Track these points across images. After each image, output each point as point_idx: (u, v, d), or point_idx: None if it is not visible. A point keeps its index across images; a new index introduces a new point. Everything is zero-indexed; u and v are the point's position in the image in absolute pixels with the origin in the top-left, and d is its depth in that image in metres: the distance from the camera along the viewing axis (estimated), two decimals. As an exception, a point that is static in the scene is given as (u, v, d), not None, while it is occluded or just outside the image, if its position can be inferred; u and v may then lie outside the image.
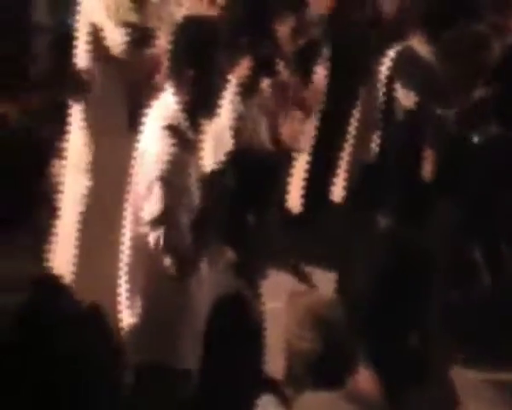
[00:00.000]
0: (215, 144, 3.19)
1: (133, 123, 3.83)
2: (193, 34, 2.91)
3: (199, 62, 2.84)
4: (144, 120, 3.52)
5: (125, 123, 3.82)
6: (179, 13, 4.35)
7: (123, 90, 3.83)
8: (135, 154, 2.94)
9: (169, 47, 3.04)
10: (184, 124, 2.86)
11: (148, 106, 3.71)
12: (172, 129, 2.82)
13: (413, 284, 1.84)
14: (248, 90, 3.30)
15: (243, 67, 3.24)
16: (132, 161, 2.95)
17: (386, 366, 1.80)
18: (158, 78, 3.98)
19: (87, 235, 3.52)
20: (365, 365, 1.82)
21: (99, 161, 3.68)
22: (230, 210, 2.46)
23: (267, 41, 3.46)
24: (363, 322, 1.87)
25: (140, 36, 3.88)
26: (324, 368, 1.94)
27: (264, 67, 3.39)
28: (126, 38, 3.76)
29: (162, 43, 4.01)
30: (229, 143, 3.23)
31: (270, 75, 3.59)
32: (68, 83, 3.53)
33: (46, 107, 3.72)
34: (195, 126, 2.91)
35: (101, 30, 3.77)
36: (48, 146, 3.26)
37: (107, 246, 3.43)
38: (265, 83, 3.59)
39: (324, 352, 1.94)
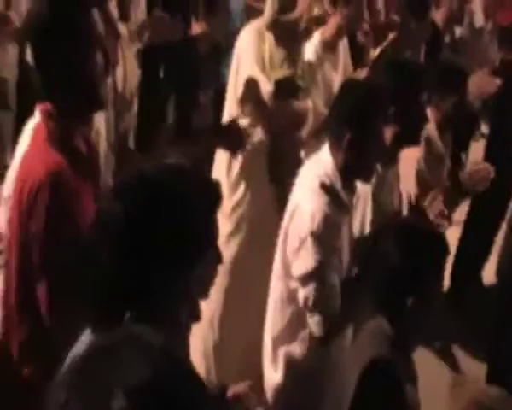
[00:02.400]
0: (363, 206, 3.16)
1: (274, 175, 3.93)
2: (355, 98, 2.89)
3: (359, 126, 2.80)
4: (286, 172, 3.60)
5: (266, 173, 3.93)
6: (334, 77, 4.45)
7: (268, 140, 3.94)
8: (288, 207, 2.93)
9: (330, 108, 3.06)
10: (339, 184, 2.83)
11: (290, 159, 3.83)
12: (327, 188, 2.80)
13: None
14: (389, 157, 3.25)
15: (387, 134, 3.19)
16: (284, 215, 2.94)
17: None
18: (302, 132, 4.09)
19: (229, 287, 3.57)
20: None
21: (241, 208, 3.80)
22: (389, 280, 2.35)
23: (416, 111, 3.40)
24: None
25: (290, 90, 3.99)
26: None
27: (407, 136, 3.33)
28: (277, 91, 3.91)
29: (312, 100, 4.14)
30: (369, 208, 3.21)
31: (413, 144, 3.54)
32: (228, 137, 3.62)
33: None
34: (350, 188, 2.88)
35: (256, 82, 3.91)
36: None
37: (250, 298, 3.46)
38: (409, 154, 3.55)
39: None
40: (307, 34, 4.18)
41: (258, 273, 3.30)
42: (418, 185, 3.82)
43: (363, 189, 3.07)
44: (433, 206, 3.10)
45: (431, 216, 3.05)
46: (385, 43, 4.93)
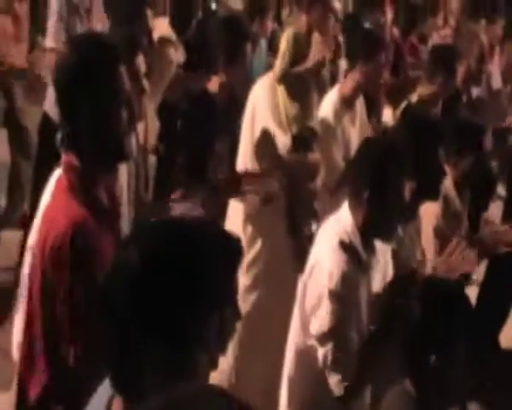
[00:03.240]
0: (383, 264, 3.14)
1: (290, 226, 3.95)
2: (374, 155, 2.90)
3: (378, 184, 2.81)
4: (301, 223, 3.61)
5: (284, 226, 3.94)
6: (352, 132, 4.48)
7: (284, 192, 3.96)
8: (308, 262, 2.92)
9: (350, 165, 3.08)
10: (358, 242, 2.82)
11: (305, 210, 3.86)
12: (346, 246, 2.79)
13: None
14: (408, 214, 3.24)
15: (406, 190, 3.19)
16: (302, 273, 2.93)
17: None
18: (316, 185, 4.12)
19: (246, 342, 3.56)
20: None
21: (258, 263, 3.81)
22: (411, 337, 2.33)
23: (435, 166, 3.40)
24: None
25: (305, 143, 4.04)
26: None
27: (426, 191, 3.33)
28: (292, 144, 3.95)
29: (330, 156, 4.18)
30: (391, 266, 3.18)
31: (432, 199, 3.53)
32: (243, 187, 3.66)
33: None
34: (369, 246, 2.87)
35: (271, 135, 3.96)
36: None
37: (266, 352, 3.44)
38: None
39: None
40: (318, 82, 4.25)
41: (276, 328, 3.29)
42: (437, 241, 3.81)
43: (383, 245, 3.06)
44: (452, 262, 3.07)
45: (447, 271, 3.03)
46: (412, 99, 4.94)
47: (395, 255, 3.17)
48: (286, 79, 4.05)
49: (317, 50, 4.10)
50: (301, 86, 4.09)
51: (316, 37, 4.15)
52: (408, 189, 3.08)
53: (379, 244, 2.94)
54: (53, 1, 5.18)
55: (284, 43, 4.15)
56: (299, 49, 4.10)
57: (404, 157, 2.92)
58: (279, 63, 4.10)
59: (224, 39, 4.43)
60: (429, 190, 3.36)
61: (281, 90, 4.06)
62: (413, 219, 3.37)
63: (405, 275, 2.70)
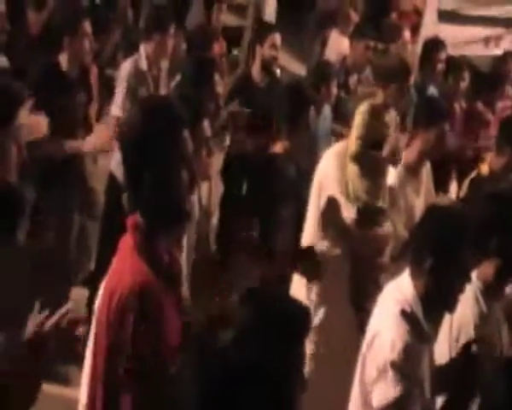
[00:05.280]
0: (450, 339, 3.06)
1: (354, 298, 3.90)
2: (438, 224, 2.86)
3: (441, 253, 2.76)
4: (366, 296, 3.55)
5: (346, 296, 3.89)
6: (416, 201, 4.44)
7: (349, 263, 3.92)
8: (366, 334, 2.88)
9: (413, 232, 3.03)
10: (420, 312, 2.77)
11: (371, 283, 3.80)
12: (408, 316, 2.74)
13: None
14: (493, 292, 3.12)
15: (488, 268, 3.08)
16: (363, 342, 2.88)
17: None
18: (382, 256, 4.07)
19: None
20: None
21: (321, 331, 3.77)
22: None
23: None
24: None
25: (372, 217, 4.00)
26: None
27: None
28: (358, 215, 3.92)
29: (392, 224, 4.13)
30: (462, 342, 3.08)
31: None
32: (305, 264, 3.67)
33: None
34: (432, 318, 2.81)
35: (338, 208, 3.94)
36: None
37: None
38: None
39: None
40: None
41: (336, 398, 3.22)
42: None
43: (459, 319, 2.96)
44: None
45: None
46: (482, 171, 4.85)
47: (478, 333, 3.03)
48: (360, 159, 4.00)
49: (394, 138, 4.05)
50: (374, 167, 4.04)
51: (391, 115, 4.07)
52: (492, 266, 3.00)
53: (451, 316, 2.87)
54: (122, 67, 5.33)
55: (359, 119, 4.07)
56: (375, 125, 4.04)
57: (469, 228, 2.86)
58: (354, 141, 4.02)
59: (287, 106, 4.46)
60: None
61: (352, 167, 4.01)
62: (499, 298, 3.22)
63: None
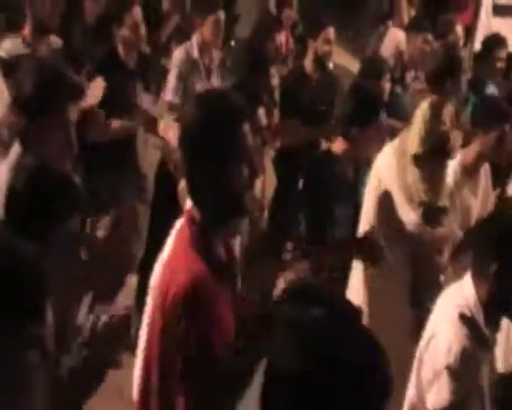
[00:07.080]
0: (507, 346, 2.99)
1: (414, 299, 3.84)
2: (506, 228, 2.76)
3: (508, 258, 2.67)
4: (425, 299, 3.48)
5: (406, 296, 3.83)
6: (473, 202, 4.34)
7: (410, 264, 3.85)
8: (424, 334, 2.81)
9: (472, 235, 2.96)
10: (481, 317, 2.69)
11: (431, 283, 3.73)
12: (468, 320, 2.67)
13: None
14: None
15: None
16: (420, 342, 2.82)
17: None
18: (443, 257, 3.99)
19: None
20: None
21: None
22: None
23: None
24: None
25: (434, 215, 3.91)
26: None
27: None
28: (420, 218, 3.84)
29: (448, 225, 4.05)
30: None
31: None
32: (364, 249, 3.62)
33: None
34: (493, 323, 2.74)
35: (396, 208, 3.87)
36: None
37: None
38: None
39: None
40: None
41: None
42: None
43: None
44: None
45: None
46: None
47: None
48: (422, 162, 3.88)
49: (456, 140, 3.95)
50: (436, 169, 3.94)
51: (450, 110, 3.94)
52: None
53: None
54: (175, 54, 5.35)
55: (420, 120, 3.87)
56: (436, 125, 3.90)
57: None
58: (416, 143, 3.83)
59: (357, 109, 4.24)
60: None
61: (413, 170, 3.89)
62: None
63: None
